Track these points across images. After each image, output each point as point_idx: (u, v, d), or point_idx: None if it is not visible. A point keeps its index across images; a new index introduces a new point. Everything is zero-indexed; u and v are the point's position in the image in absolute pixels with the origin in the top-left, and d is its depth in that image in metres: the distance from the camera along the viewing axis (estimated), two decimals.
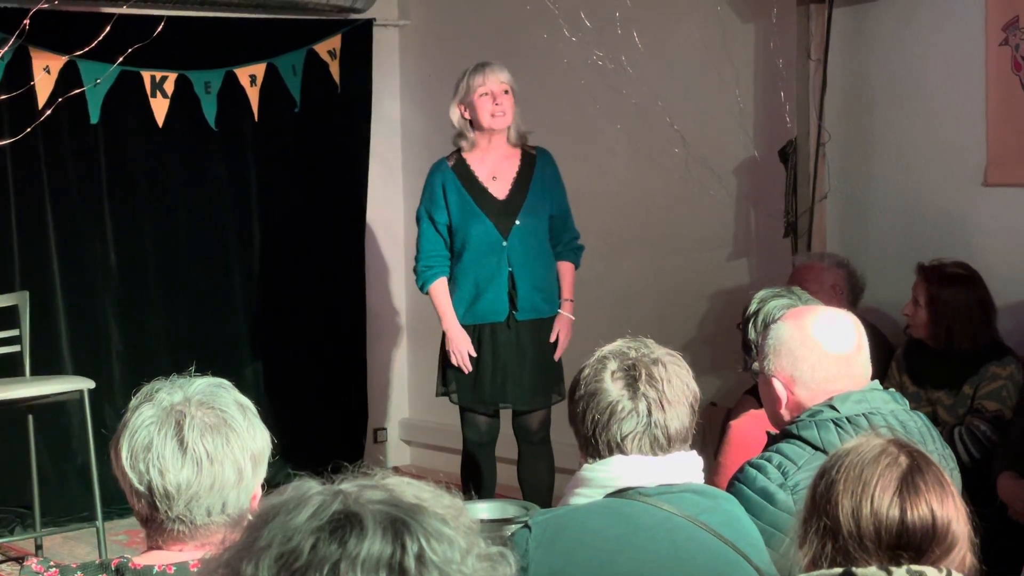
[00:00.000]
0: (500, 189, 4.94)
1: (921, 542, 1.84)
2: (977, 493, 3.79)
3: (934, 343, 4.43)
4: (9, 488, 5.82)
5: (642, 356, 2.41)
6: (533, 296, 4.91)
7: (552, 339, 4.95)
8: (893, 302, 4.77)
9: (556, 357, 4.96)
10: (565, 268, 5.03)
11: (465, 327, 4.91)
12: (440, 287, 4.92)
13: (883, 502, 1.85)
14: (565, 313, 4.98)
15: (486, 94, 4.85)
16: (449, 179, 4.92)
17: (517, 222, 4.90)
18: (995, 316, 4.42)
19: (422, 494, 1.23)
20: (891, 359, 4.60)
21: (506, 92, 4.87)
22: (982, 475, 4.12)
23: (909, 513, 1.84)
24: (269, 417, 2.10)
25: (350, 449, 6.63)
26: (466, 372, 4.88)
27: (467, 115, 4.91)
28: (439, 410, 5.94)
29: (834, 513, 1.86)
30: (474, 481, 5.02)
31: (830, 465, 1.91)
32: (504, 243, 4.90)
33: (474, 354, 4.88)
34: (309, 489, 1.22)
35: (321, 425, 6.53)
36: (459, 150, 4.96)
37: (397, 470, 6.78)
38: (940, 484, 1.86)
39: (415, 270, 5.00)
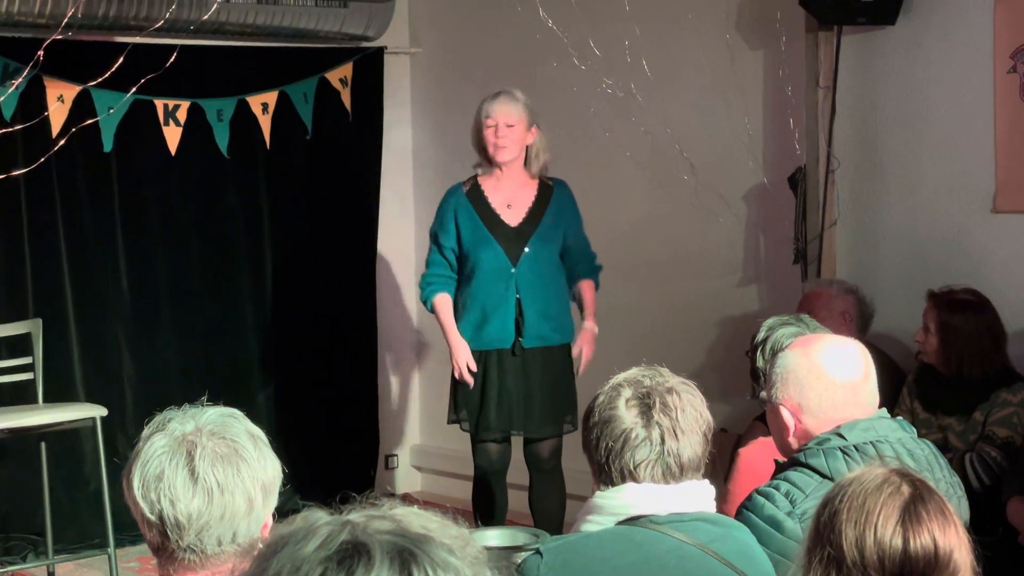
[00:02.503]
0: (513, 217, 4.96)
1: (924, 571, 1.85)
2: (987, 520, 3.79)
3: (945, 369, 4.43)
4: (21, 515, 5.83)
5: (657, 384, 2.42)
6: (540, 324, 4.92)
7: (575, 353, 4.95)
8: (903, 328, 4.78)
9: (580, 371, 4.96)
10: (586, 285, 5.03)
11: (472, 353, 4.93)
12: (442, 301, 4.95)
13: (886, 531, 1.86)
14: (589, 325, 4.98)
15: (492, 126, 4.88)
16: (461, 204, 4.95)
17: (527, 249, 4.92)
18: (1005, 342, 4.42)
19: (429, 524, 1.24)
20: (902, 385, 4.60)
21: (509, 126, 4.88)
22: (992, 502, 4.12)
23: (911, 542, 1.85)
24: (280, 443, 2.11)
25: (361, 476, 6.64)
26: (470, 384, 4.89)
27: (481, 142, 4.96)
28: (450, 436, 5.94)
29: (838, 542, 1.87)
30: (485, 508, 5.03)
31: (833, 495, 1.92)
32: (512, 270, 4.91)
33: (474, 367, 4.89)
34: (317, 519, 1.23)
35: (332, 451, 6.54)
36: (476, 175, 5.00)
37: (408, 497, 6.78)
38: (942, 513, 1.87)
39: (420, 284, 5.06)
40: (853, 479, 1.91)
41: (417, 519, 1.24)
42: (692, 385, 2.47)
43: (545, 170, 5.01)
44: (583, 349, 4.96)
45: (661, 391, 2.41)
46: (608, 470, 2.41)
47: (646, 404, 2.40)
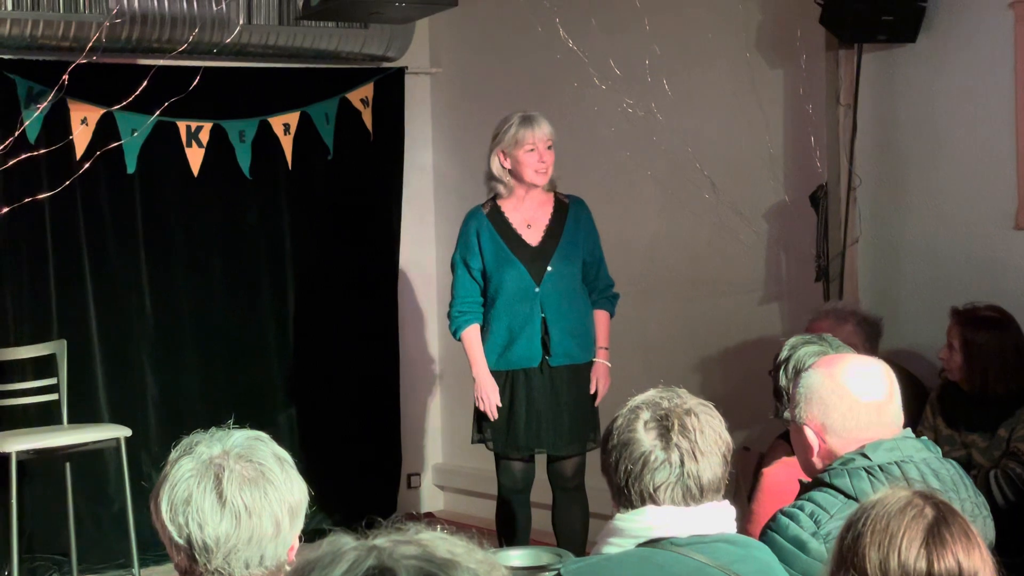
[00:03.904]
0: (533, 236, 4.97)
1: None
2: (1013, 537, 3.77)
3: (969, 387, 4.41)
4: (47, 535, 5.86)
5: (675, 406, 2.42)
6: (567, 342, 4.92)
7: (592, 389, 4.96)
8: (926, 345, 4.76)
9: (596, 404, 4.98)
10: (600, 316, 5.04)
11: (499, 373, 4.93)
12: (472, 334, 4.95)
13: (910, 554, 1.85)
14: (601, 361, 4.99)
15: (532, 150, 4.89)
16: (484, 226, 4.96)
17: (549, 268, 4.93)
18: None
19: (455, 549, 1.24)
20: (925, 402, 4.58)
21: (549, 147, 4.91)
22: (1018, 518, 4.10)
23: (936, 565, 1.85)
24: (302, 463, 2.12)
25: (383, 495, 6.65)
26: (491, 419, 4.91)
27: (507, 164, 4.94)
28: (473, 455, 5.95)
29: (861, 565, 1.87)
30: (508, 527, 5.03)
31: (856, 517, 1.92)
32: (537, 289, 4.92)
33: (500, 404, 4.91)
34: (344, 544, 1.24)
35: (354, 471, 6.55)
36: (494, 197, 5.00)
37: (431, 516, 6.79)
38: (966, 535, 1.86)
39: (449, 315, 5.03)
40: (876, 502, 1.91)
41: (443, 544, 1.25)
42: (710, 406, 2.47)
43: (554, 184, 5.02)
44: (599, 385, 4.96)
45: (680, 413, 2.41)
46: (628, 493, 2.40)
47: (664, 426, 2.40)
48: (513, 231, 4.97)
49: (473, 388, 4.98)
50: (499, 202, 4.99)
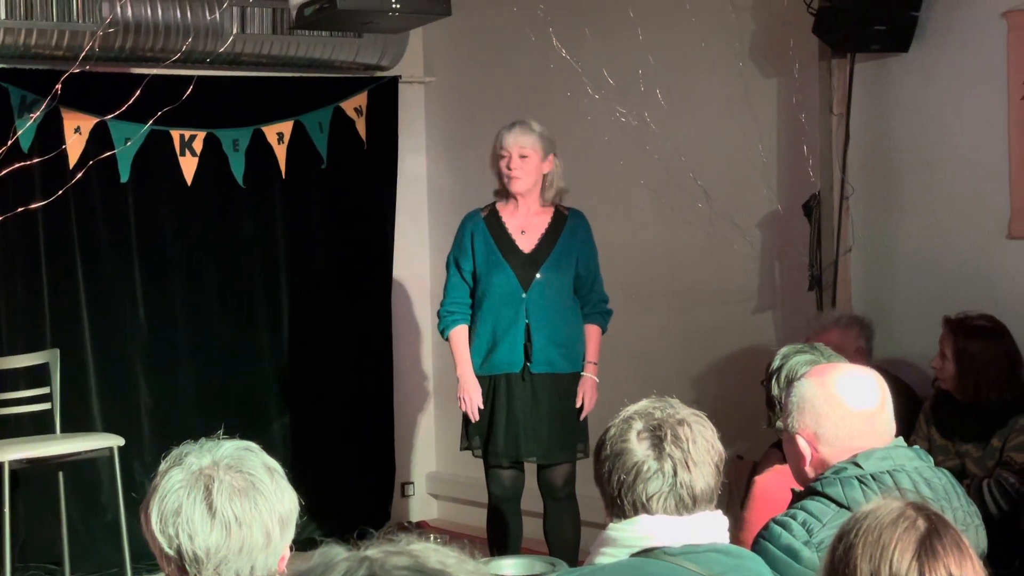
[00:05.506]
0: (527, 242, 4.99)
1: None
2: (1005, 547, 3.77)
3: (962, 396, 4.42)
4: (40, 544, 5.85)
5: (668, 416, 2.43)
6: (549, 350, 4.92)
7: (578, 403, 4.95)
8: (920, 354, 4.77)
9: (581, 418, 4.97)
10: (591, 331, 5.03)
11: (483, 378, 4.95)
12: (459, 334, 4.98)
13: (902, 566, 1.85)
14: (588, 375, 4.99)
15: (504, 156, 4.92)
16: (479, 228, 4.99)
17: (538, 275, 4.94)
18: (1022, 368, 4.41)
19: (447, 560, 1.25)
20: (918, 412, 4.58)
21: (523, 156, 4.91)
22: (1011, 528, 4.10)
23: None
24: (295, 471, 2.12)
25: (377, 504, 6.64)
26: (472, 420, 4.92)
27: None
28: (466, 464, 5.94)
29: None
30: (500, 536, 5.03)
31: (848, 528, 1.92)
32: (523, 295, 4.93)
33: (482, 406, 4.91)
34: (336, 555, 1.24)
35: (348, 479, 6.54)
36: (495, 202, 5.03)
37: (424, 525, 6.78)
38: (958, 547, 1.86)
39: (438, 314, 5.07)
40: (868, 512, 1.91)
41: (435, 555, 1.25)
42: (703, 416, 2.47)
43: (559, 198, 5.03)
44: (585, 399, 4.96)
45: (672, 423, 2.41)
46: (621, 503, 2.41)
47: (657, 436, 2.40)
48: (507, 235, 4.99)
49: (457, 389, 5.00)
50: (499, 207, 5.02)
